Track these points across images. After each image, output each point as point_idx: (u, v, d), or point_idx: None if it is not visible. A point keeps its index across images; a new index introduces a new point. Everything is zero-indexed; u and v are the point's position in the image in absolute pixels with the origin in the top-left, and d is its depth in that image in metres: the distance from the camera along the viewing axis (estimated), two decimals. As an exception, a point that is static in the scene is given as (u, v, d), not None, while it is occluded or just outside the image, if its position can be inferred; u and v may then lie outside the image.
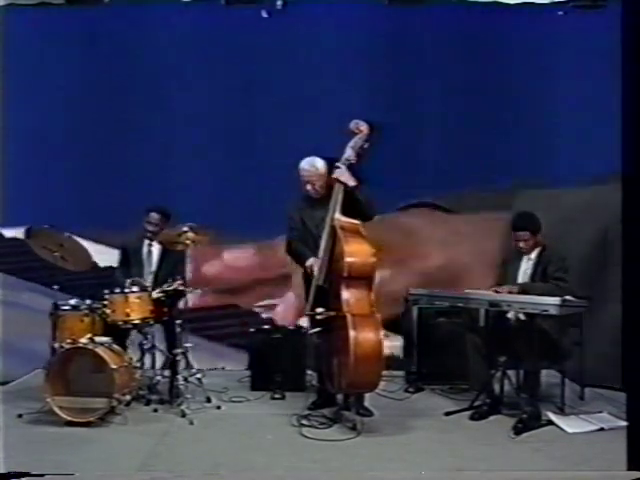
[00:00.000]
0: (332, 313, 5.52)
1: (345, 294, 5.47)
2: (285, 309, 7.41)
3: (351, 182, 5.67)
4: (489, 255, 6.98)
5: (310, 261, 5.72)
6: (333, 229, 5.60)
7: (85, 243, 6.34)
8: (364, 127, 5.73)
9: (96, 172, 7.33)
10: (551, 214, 6.39)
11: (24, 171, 7.18)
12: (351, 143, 5.73)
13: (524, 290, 5.75)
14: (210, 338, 7.31)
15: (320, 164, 5.79)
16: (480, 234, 7.34)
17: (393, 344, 6.97)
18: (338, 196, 5.65)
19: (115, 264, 6.60)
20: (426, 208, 7.52)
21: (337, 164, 5.70)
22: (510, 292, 5.76)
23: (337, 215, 5.62)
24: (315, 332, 5.67)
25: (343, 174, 5.67)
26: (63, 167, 7.35)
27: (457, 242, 7.36)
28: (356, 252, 5.49)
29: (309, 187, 5.81)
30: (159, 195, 6.89)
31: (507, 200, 7.16)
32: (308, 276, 5.77)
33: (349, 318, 5.38)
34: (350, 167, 5.70)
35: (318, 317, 5.57)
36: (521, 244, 5.89)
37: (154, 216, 6.40)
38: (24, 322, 6.92)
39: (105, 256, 7.04)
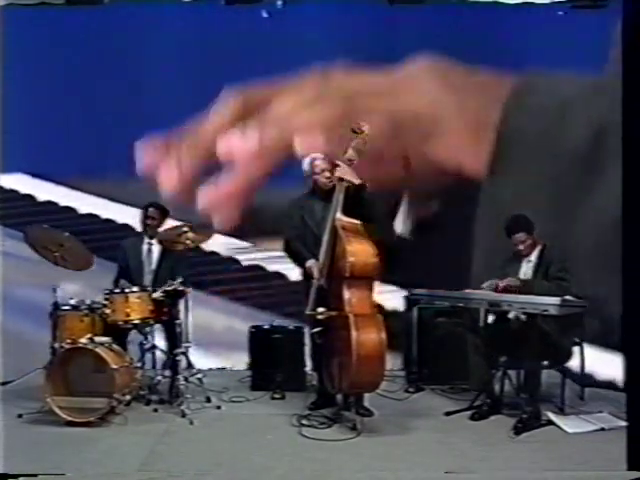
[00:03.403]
0: (334, 313, 5.52)
1: (347, 294, 5.47)
2: None
3: (357, 181, 5.66)
4: (477, 121, 6.97)
5: (309, 262, 5.71)
6: (334, 229, 5.60)
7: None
8: (366, 127, 5.73)
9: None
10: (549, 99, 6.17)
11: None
12: (353, 143, 5.73)
13: (525, 286, 5.73)
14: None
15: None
16: (473, 97, 7.08)
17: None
18: (340, 196, 5.64)
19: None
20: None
21: (338, 162, 5.70)
22: (511, 284, 5.74)
23: (338, 215, 5.62)
24: (316, 332, 5.67)
25: (347, 173, 5.66)
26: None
27: (446, 98, 7.04)
28: (358, 252, 5.49)
29: (327, 174, 5.76)
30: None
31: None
32: (307, 275, 5.76)
33: (351, 318, 5.38)
34: (351, 166, 5.70)
35: (319, 317, 5.57)
36: (520, 247, 5.87)
37: (152, 211, 6.40)
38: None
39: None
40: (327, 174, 5.78)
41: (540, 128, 6.63)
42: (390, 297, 7.01)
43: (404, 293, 6.89)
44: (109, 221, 7.49)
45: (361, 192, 5.67)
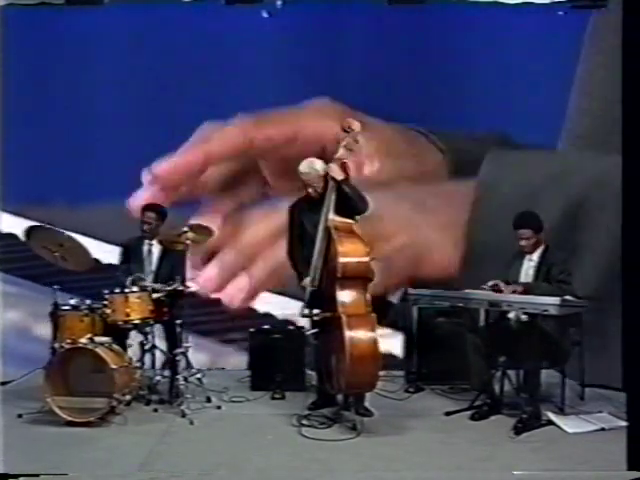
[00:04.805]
0: (327, 314, 5.53)
1: (340, 295, 5.47)
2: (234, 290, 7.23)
3: (339, 175, 5.66)
4: (455, 228, 6.96)
5: (305, 282, 5.72)
6: (327, 229, 5.60)
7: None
8: (356, 125, 5.73)
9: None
10: (521, 177, 6.13)
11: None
12: (343, 142, 5.72)
13: (528, 290, 5.74)
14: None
15: (319, 165, 5.76)
16: (445, 206, 7.08)
17: (391, 342, 6.90)
18: (331, 195, 5.65)
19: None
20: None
21: (330, 164, 5.71)
22: (514, 291, 5.75)
23: (331, 215, 5.62)
24: (313, 333, 5.69)
25: (336, 171, 5.65)
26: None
27: (422, 217, 7.05)
28: (349, 252, 5.48)
29: (310, 190, 5.79)
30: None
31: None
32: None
33: (344, 319, 5.38)
34: (342, 166, 5.70)
35: (314, 318, 5.58)
36: (523, 242, 5.87)
37: (149, 214, 6.39)
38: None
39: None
40: (310, 190, 5.76)
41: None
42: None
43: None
44: None
45: (342, 187, 5.65)
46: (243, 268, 7.20)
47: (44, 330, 6.62)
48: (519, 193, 5.89)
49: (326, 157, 5.83)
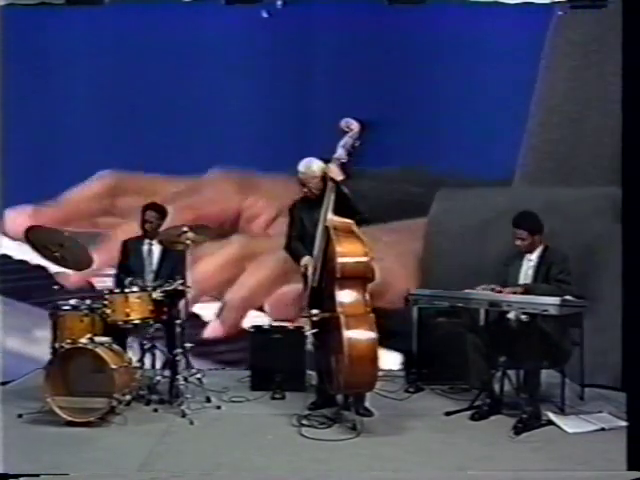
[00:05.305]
0: (327, 314, 5.53)
1: (339, 295, 5.47)
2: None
3: (339, 176, 5.65)
4: (411, 260, 7.15)
5: (304, 260, 5.74)
6: (326, 230, 5.60)
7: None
8: (355, 125, 5.72)
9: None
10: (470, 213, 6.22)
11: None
12: (342, 142, 5.72)
13: (527, 291, 5.74)
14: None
15: (316, 166, 5.76)
16: (401, 240, 7.24)
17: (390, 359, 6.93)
18: (331, 196, 5.65)
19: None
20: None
21: (329, 165, 5.70)
22: (514, 293, 5.75)
23: (330, 215, 5.62)
24: (312, 333, 5.69)
25: (334, 172, 5.65)
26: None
27: (381, 251, 7.00)
28: (348, 252, 5.48)
29: (305, 189, 5.80)
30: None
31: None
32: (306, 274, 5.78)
33: (342, 319, 5.39)
34: (341, 166, 5.69)
35: (314, 318, 5.58)
36: (517, 242, 5.89)
37: (150, 213, 6.41)
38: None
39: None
40: (305, 189, 5.78)
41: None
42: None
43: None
44: (22, 262, 7.30)
45: (341, 188, 5.65)
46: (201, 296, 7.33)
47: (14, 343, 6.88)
48: (468, 226, 6.02)
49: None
